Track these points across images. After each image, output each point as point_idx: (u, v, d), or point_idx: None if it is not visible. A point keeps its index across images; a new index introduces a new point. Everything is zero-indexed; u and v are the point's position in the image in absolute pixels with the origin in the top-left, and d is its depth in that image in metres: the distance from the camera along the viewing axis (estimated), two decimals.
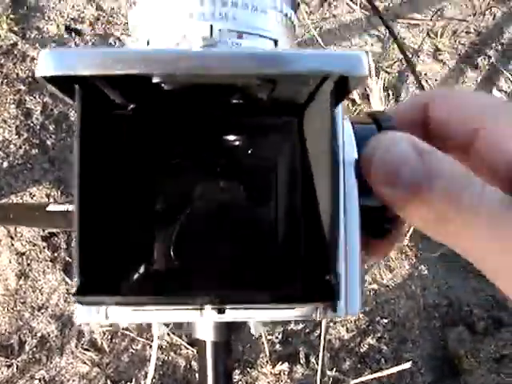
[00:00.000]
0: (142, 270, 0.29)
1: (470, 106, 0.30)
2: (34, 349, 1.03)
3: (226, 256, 0.29)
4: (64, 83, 0.22)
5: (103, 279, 0.25)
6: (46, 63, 0.21)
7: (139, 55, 0.22)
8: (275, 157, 0.32)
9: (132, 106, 0.29)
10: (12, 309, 1.06)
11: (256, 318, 0.31)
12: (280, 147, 0.31)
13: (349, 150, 0.32)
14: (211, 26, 0.33)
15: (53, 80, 0.22)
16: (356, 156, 0.32)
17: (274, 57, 0.24)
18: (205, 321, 0.51)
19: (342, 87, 0.24)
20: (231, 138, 0.32)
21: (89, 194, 0.24)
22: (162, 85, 0.24)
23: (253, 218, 0.30)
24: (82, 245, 0.22)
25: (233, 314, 0.30)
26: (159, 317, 0.30)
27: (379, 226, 0.34)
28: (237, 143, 0.32)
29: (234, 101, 0.28)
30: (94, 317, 0.30)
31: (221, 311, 0.30)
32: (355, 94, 1.24)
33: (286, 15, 0.36)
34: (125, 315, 0.30)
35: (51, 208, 0.70)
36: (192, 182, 0.30)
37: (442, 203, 0.24)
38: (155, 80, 0.23)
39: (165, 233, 0.29)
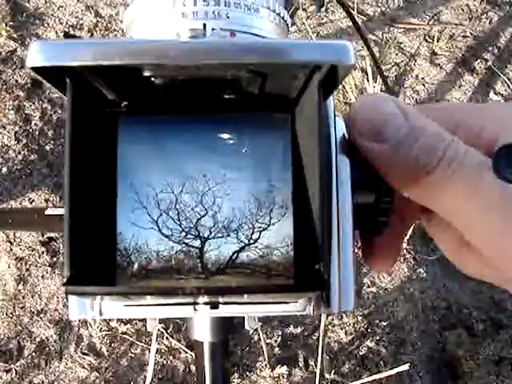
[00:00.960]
0: (135, 265, 0.29)
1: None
2: (33, 353, 1.03)
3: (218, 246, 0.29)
4: (55, 76, 0.22)
5: (95, 271, 0.25)
6: (35, 54, 0.22)
7: (127, 46, 0.22)
8: (270, 155, 0.32)
9: (125, 103, 0.29)
10: (11, 314, 1.06)
11: (250, 312, 0.32)
12: (274, 145, 0.32)
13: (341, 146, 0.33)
14: (204, 25, 0.33)
15: (44, 72, 0.22)
16: (348, 155, 0.33)
17: (265, 46, 0.24)
18: (202, 321, 0.51)
19: (330, 79, 0.24)
20: (225, 136, 0.32)
21: (79, 189, 0.24)
22: (153, 79, 0.24)
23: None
24: (72, 237, 0.22)
25: (226, 309, 0.30)
26: (153, 312, 0.30)
27: (373, 219, 0.35)
28: (231, 142, 0.32)
29: (226, 96, 0.28)
30: (89, 313, 0.30)
31: (214, 306, 0.30)
32: (352, 98, 1.25)
33: (279, 14, 0.36)
34: (118, 311, 0.30)
35: (50, 212, 0.70)
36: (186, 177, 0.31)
37: (423, 158, 0.26)
38: (146, 73, 0.23)
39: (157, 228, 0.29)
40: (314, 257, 0.24)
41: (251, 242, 0.30)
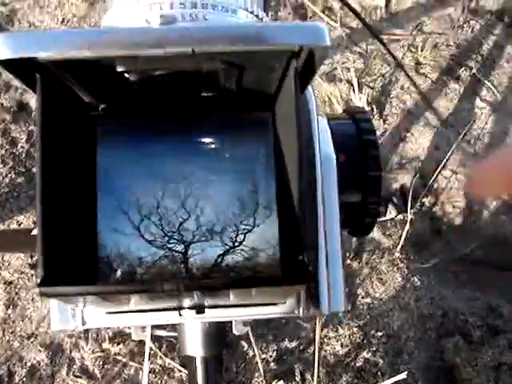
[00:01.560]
0: (118, 272, 0.28)
1: None
2: (24, 379, 1.01)
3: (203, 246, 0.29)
4: (26, 73, 0.22)
5: (76, 279, 0.24)
6: (0, 47, 0.21)
7: (92, 36, 0.21)
8: (252, 155, 0.31)
9: (103, 106, 0.29)
10: (0, 339, 1.04)
11: (237, 316, 0.31)
12: (257, 145, 0.31)
13: (325, 145, 0.32)
14: None
15: (13, 68, 0.21)
16: (333, 154, 0.32)
17: (242, 30, 0.23)
18: (194, 336, 0.50)
19: (307, 68, 0.24)
20: (207, 138, 0.32)
21: (53, 195, 0.23)
22: (127, 75, 0.23)
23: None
24: (45, 236, 0.22)
25: (212, 313, 0.29)
26: (137, 319, 0.30)
27: (360, 220, 0.34)
28: (213, 144, 0.32)
29: (204, 94, 0.28)
30: (71, 323, 0.29)
31: (199, 311, 0.29)
32: (339, 109, 1.25)
33: (257, 16, 0.36)
34: (102, 319, 0.29)
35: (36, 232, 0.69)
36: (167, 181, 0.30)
37: None
38: (119, 68, 0.22)
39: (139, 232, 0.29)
40: (299, 250, 0.24)
41: (236, 244, 0.29)
